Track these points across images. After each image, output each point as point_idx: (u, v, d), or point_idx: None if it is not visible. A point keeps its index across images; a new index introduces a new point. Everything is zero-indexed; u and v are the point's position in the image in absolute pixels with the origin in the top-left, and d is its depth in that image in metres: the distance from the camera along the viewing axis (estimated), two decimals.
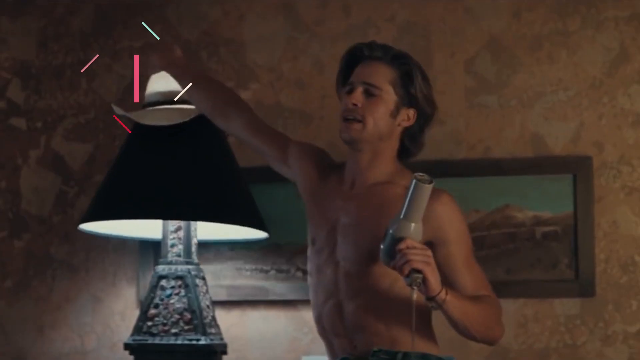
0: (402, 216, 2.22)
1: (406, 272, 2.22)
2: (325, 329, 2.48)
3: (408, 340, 2.36)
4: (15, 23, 3.68)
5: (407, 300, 2.26)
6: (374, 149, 2.45)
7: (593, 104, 3.30)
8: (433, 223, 2.33)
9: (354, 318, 2.41)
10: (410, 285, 2.22)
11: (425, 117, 2.47)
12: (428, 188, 2.17)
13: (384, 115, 2.43)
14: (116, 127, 3.55)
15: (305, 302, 3.37)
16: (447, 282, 2.39)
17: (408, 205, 2.20)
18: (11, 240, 3.61)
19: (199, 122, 3.12)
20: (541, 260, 3.23)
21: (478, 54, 3.39)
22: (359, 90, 2.43)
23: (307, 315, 3.37)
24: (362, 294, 2.40)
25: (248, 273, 3.41)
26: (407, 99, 2.43)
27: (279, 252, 3.38)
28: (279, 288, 3.38)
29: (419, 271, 2.21)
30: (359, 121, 2.42)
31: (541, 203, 3.26)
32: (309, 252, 2.53)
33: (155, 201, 3.02)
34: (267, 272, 3.39)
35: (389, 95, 2.43)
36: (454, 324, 2.34)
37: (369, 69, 2.45)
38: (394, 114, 2.43)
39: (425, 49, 3.38)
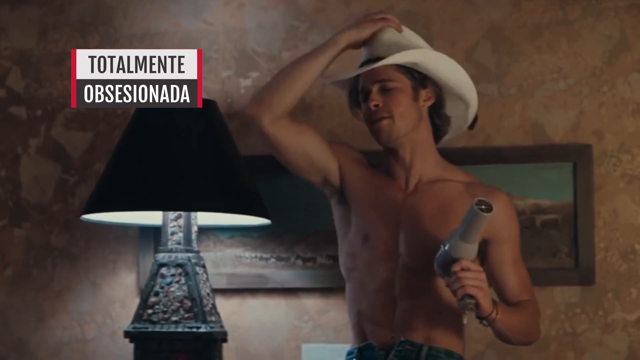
0: (458, 236, 2.23)
1: (459, 296, 2.26)
2: (364, 318, 2.47)
3: (443, 339, 2.40)
4: (15, 11, 3.68)
5: (456, 303, 2.31)
6: (411, 140, 2.46)
7: (593, 93, 3.30)
8: (490, 221, 2.36)
9: (406, 315, 2.42)
10: (462, 309, 2.27)
11: (439, 91, 2.51)
12: (486, 217, 2.20)
13: (408, 103, 2.46)
14: (116, 115, 3.55)
15: (305, 290, 3.38)
16: (493, 280, 2.46)
17: (466, 228, 2.22)
18: (11, 229, 3.61)
19: (202, 112, 3.12)
20: (541, 248, 3.24)
21: (478, 43, 3.38)
22: (374, 90, 2.46)
23: (308, 303, 3.37)
24: (419, 292, 2.42)
25: (248, 261, 3.41)
26: (419, 80, 2.47)
27: (279, 240, 3.38)
28: (278, 276, 3.38)
29: (472, 296, 2.25)
30: (388, 117, 2.43)
31: (541, 191, 3.26)
32: (356, 247, 2.50)
33: (156, 192, 3.02)
34: (267, 260, 3.39)
35: (404, 83, 2.46)
36: (498, 335, 2.40)
37: (375, 68, 2.47)
38: (415, 97, 2.46)
39: (425, 38, 3.30)
